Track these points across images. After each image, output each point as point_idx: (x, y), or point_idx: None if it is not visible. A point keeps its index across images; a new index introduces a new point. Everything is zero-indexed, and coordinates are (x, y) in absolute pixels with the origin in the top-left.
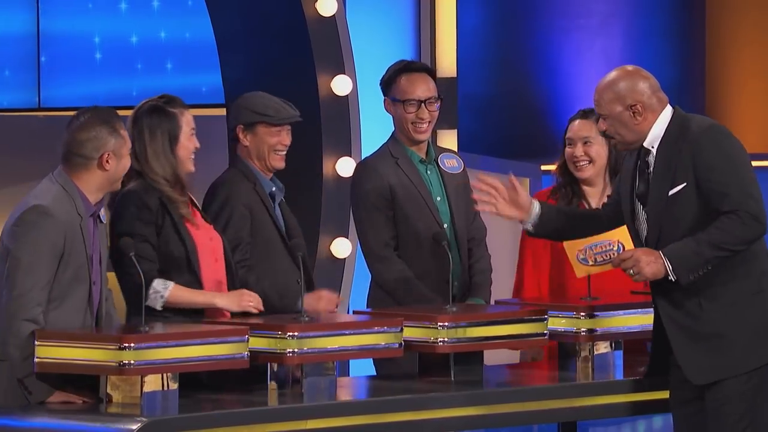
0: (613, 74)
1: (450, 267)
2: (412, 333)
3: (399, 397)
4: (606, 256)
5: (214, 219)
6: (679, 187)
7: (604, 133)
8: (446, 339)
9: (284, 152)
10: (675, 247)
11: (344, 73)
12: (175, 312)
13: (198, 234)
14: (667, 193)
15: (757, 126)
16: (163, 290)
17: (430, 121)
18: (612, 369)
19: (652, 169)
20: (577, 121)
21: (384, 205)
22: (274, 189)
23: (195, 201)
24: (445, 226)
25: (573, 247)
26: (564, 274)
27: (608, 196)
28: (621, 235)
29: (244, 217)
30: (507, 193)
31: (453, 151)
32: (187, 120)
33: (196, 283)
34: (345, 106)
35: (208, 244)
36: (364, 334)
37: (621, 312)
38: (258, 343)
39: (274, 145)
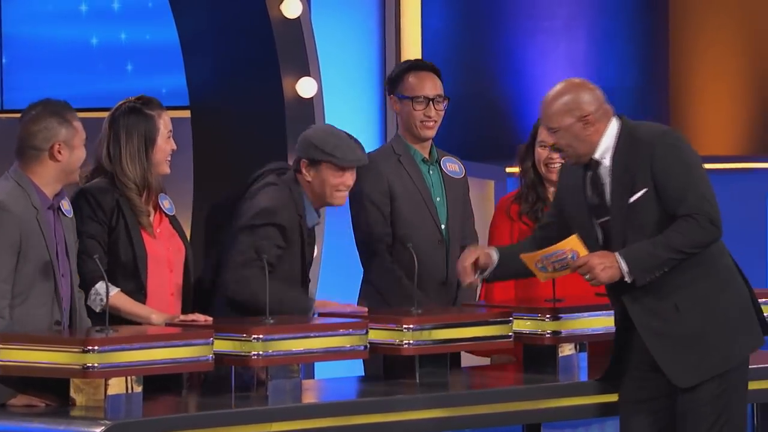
0: (559, 87)
1: (416, 269)
2: (377, 335)
3: (364, 399)
4: (563, 263)
5: (249, 227)
6: (640, 193)
7: (554, 147)
8: (411, 341)
9: (346, 191)
10: (631, 249)
11: (309, 75)
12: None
13: (153, 243)
14: (628, 201)
15: (721, 128)
16: (105, 294)
17: (436, 120)
18: (577, 371)
19: (608, 180)
20: None
21: (381, 201)
22: (317, 222)
23: (164, 208)
24: (443, 226)
25: (531, 260)
26: (529, 282)
27: (548, 215)
28: (573, 243)
29: (277, 240)
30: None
31: (455, 156)
32: (164, 122)
33: (139, 291)
34: (310, 109)
35: (164, 254)
36: (330, 336)
37: (586, 314)
38: (222, 345)
39: (336, 185)
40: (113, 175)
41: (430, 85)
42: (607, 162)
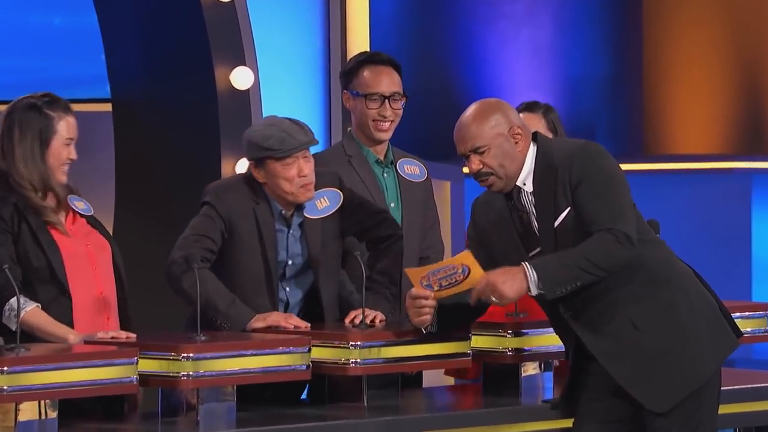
0: (478, 105)
1: (363, 280)
2: (321, 353)
3: (305, 425)
4: (451, 279)
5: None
6: (564, 214)
7: (480, 173)
8: (358, 360)
9: (310, 181)
10: (542, 259)
11: (245, 65)
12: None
13: (67, 241)
14: (553, 225)
15: (700, 124)
16: (18, 308)
17: (393, 120)
18: (541, 392)
19: (533, 206)
20: (522, 115)
21: None
22: (283, 211)
23: (75, 207)
24: None
25: (416, 275)
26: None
27: None
28: (464, 258)
29: (214, 227)
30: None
31: (416, 158)
32: (67, 125)
33: (63, 295)
34: (246, 101)
35: (83, 250)
36: (268, 354)
37: (551, 329)
38: (149, 365)
39: (291, 178)
40: (8, 175)
41: (387, 82)
42: (529, 187)
